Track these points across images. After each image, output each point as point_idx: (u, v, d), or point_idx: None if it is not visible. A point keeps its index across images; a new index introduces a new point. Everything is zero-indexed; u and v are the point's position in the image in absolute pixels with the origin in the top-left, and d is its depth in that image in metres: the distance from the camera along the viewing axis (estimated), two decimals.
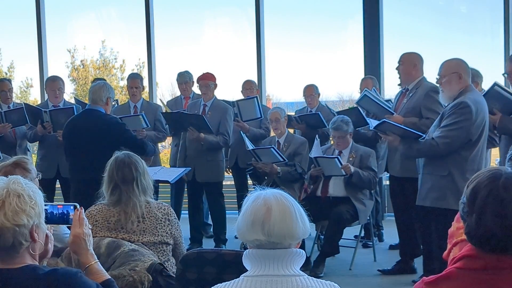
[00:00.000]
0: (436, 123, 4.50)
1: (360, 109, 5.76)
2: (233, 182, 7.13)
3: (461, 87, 4.38)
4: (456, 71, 4.38)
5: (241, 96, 6.88)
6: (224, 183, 6.41)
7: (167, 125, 6.45)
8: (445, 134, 4.34)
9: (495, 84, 4.80)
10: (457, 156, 4.38)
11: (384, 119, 4.80)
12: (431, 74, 4.78)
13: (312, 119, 6.53)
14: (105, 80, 6.39)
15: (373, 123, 4.99)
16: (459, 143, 4.34)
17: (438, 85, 4.56)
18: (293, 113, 6.93)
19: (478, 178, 1.68)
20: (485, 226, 1.63)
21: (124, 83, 16.03)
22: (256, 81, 7.58)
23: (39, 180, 3.27)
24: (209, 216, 6.79)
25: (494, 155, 5.90)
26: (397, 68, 5.16)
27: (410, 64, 5.06)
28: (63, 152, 5.33)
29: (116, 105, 6.79)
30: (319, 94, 6.92)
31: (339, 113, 6.12)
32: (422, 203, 4.55)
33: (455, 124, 4.29)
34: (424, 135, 4.55)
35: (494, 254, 1.65)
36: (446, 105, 4.51)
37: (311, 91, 6.84)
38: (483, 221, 1.63)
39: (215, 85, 6.25)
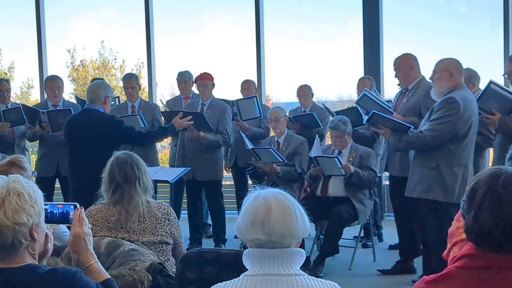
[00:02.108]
0: (426, 117, 4.63)
1: (359, 108, 5.76)
2: (232, 182, 7.12)
3: (451, 85, 4.52)
4: (448, 69, 4.53)
5: (240, 96, 6.88)
6: (223, 182, 6.41)
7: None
8: (432, 128, 4.47)
9: (491, 82, 4.82)
10: (445, 149, 4.51)
11: (374, 111, 4.85)
12: (430, 72, 4.80)
13: (306, 119, 6.53)
14: (103, 79, 6.38)
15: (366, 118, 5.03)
16: (446, 136, 4.47)
17: (431, 81, 4.66)
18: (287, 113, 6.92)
19: (479, 176, 1.69)
20: (481, 223, 1.63)
21: None
22: (256, 81, 7.57)
23: (36, 178, 3.27)
24: (209, 216, 6.78)
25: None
26: (396, 76, 5.22)
27: (406, 67, 5.13)
28: (63, 151, 5.33)
29: (118, 103, 6.79)
30: (312, 94, 6.92)
31: (337, 112, 6.12)
32: (410, 194, 4.67)
33: (443, 118, 4.43)
34: (413, 127, 4.65)
35: (492, 252, 1.65)
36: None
37: (305, 91, 6.84)
38: (480, 218, 1.63)
39: (213, 85, 6.25)
